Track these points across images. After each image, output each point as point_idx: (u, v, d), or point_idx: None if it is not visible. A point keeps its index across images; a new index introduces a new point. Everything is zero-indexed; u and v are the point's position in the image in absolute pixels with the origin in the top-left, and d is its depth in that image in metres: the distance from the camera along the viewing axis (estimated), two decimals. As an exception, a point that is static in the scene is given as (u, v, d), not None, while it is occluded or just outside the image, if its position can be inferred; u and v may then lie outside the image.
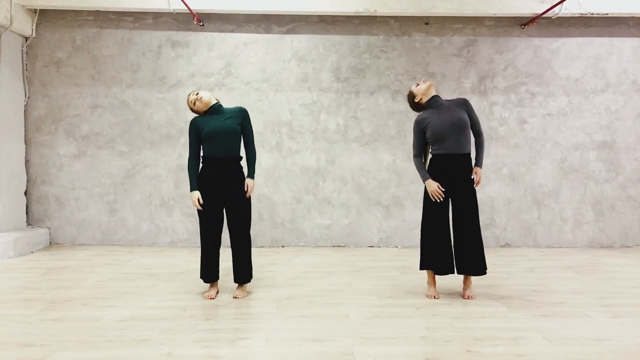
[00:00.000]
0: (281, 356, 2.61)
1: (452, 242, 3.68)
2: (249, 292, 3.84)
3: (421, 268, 3.76)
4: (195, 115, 3.72)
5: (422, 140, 3.71)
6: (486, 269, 3.65)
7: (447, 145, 3.59)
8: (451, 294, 3.81)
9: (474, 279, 3.92)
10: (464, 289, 3.75)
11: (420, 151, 3.75)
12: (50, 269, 4.58)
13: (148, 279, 4.26)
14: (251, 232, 3.60)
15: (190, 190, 3.62)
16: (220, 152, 3.59)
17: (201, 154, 3.67)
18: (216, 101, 3.69)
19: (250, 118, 3.80)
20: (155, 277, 4.33)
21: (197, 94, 3.63)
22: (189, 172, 3.64)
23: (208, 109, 3.64)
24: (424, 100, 3.67)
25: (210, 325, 3.11)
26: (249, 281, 3.80)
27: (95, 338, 2.86)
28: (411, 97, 3.73)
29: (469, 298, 3.68)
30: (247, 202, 3.68)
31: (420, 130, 3.68)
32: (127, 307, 3.46)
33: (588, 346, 2.78)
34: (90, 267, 4.70)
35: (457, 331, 3.01)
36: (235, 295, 3.71)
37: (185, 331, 2.99)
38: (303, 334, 2.95)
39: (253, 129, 3.84)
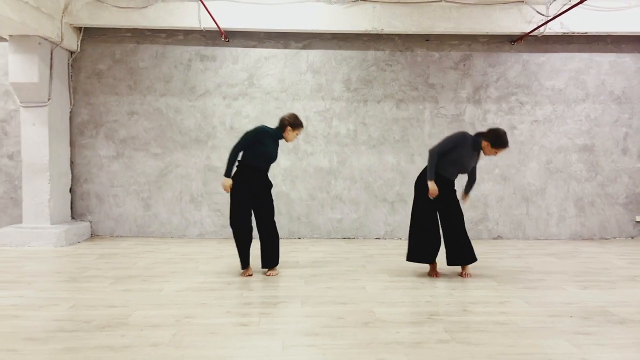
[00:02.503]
0: (317, 313, 3.32)
1: (439, 238, 4.37)
2: (278, 272, 4.52)
3: (408, 259, 4.42)
4: (266, 126, 4.32)
5: (448, 151, 4.24)
6: (475, 257, 4.39)
7: (451, 173, 4.29)
8: (451, 274, 4.52)
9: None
10: (462, 269, 4.46)
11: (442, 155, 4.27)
12: (102, 255, 5.26)
13: (189, 262, 4.95)
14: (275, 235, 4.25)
15: (225, 175, 4.20)
16: (265, 165, 4.31)
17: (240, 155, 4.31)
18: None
19: (271, 126, 4.44)
20: (195, 261, 5.02)
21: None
22: (229, 159, 4.18)
23: (276, 133, 4.30)
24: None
25: (254, 294, 3.81)
26: (277, 265, 4.49)
27: (163, 302, 3.56)
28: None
29: (465, 276, 4.39)
30: (271, 200, 4.39)
31: (452, 146, 4.20)
32: (181, 281, 4.15)
33: (559, 307, 3.49)
34: (135, 253, 5.38)
35: (455, 298, 3.72)
36: (268, 274, 4.40)
37: (235, 297, 3.69)
38: (331, 299, 3.66)
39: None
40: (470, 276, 4.41)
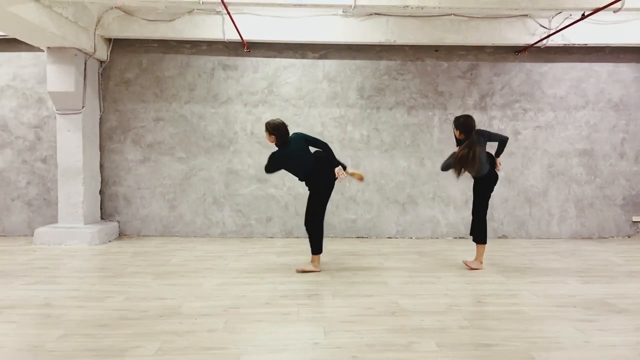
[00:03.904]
0: (348, 304, 3.70)
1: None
2: (304, 269, 4.89)
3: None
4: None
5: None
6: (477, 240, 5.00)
7: None
8: (463, 272, 4.92)
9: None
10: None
11: None
12: (136, 253, 5.64)
13: (219, 260, 5.33)
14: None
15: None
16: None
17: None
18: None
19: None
20: (223, 258, 5.40)
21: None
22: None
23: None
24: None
25: (287, 287, 4.19)
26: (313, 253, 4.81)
27: (207, 295, 3.94)
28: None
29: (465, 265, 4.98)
30: (309, 198, 4.79)
31: None
32: (217, 277, 4.53)
33: (563, 299, 3.89)
34: (167, 251, 5.76)
35: (470, 291, 4.12)
36: (297, 269, 4.79)
37: (270, 291, 4.07)
38: (358, 292, 4.05)
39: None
40: (470, 269, 4.91)
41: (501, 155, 6.63)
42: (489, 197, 4.94)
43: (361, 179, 4.87)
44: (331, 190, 4.77)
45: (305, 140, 4.65)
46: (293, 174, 4.74)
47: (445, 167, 4.91)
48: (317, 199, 4.73)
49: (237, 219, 6.88)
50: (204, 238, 6.78)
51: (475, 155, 4.56)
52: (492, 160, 4.87)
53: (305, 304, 3.71)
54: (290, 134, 4.69)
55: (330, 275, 4.64)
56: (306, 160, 4.64)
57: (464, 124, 4.68)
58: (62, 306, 3.60)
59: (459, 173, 4.71)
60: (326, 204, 4.78)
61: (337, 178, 4.66)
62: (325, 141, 4.69)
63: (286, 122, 6.59)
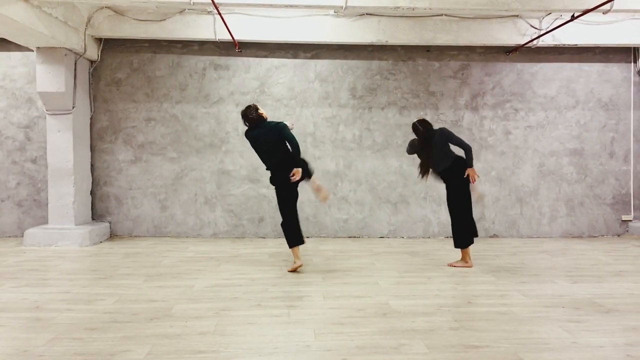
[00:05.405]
0: (339, 305, 3.72)
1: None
2: (295, 268, 4.90)
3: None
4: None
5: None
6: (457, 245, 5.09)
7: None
8: (453, 271, 4.94)
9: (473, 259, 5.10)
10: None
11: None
12: (127, 254, 5.62)
13: (210, 261, 5.33)
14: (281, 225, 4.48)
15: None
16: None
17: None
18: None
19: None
20: (215, 259, 5.39)
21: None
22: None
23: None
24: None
25: (278, 289, 4.20)
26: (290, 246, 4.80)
27: (198, 297, 3.94)
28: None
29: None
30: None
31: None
32: (208, 278, 4.53)
33: (552, 299, 3.92)
34: (158, 252, 5.74)
35: (460, 292, 4.14)
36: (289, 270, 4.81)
37: (261, 292, 4.08)
38: (349, 293, 4.06)
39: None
40: (452, 266, 5.04)
41: (493, 157, 6.66)
42: (464, 202, 4.96)
43: (325, 199, 5.03)
44: (290, 188, 4.71)
45: (282, 132, 4.62)
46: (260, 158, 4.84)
47: (409, 151, 5.36)
48: (278, 195, 4.81)
49: (229, 219, 6.88)
50: (195, 238, 6.77)
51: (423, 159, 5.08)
52: (457, 162, 4.93)
53: (296, 305, 3.72)
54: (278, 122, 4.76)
55: (322, 276, 4.65)
56: (272, 150, 4.66)
57: (412, 128, 5.11)
58: (51, 309, 3.58)
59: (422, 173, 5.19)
60: (292, 201, 4.79)
61: (292, 176, 4.55)
62: (297, 143, 4.59)
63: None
